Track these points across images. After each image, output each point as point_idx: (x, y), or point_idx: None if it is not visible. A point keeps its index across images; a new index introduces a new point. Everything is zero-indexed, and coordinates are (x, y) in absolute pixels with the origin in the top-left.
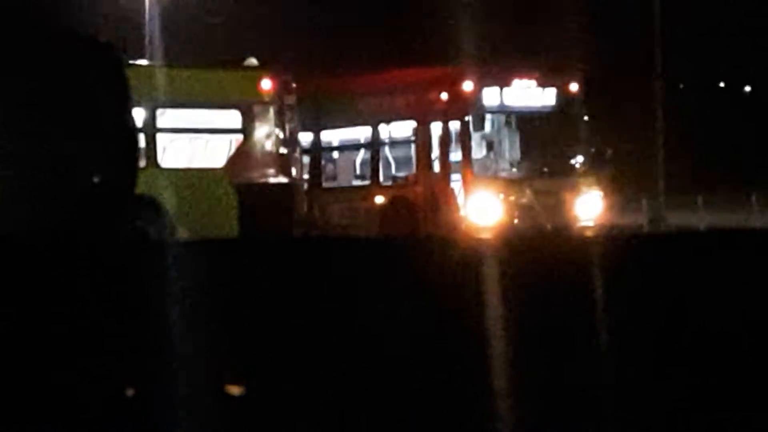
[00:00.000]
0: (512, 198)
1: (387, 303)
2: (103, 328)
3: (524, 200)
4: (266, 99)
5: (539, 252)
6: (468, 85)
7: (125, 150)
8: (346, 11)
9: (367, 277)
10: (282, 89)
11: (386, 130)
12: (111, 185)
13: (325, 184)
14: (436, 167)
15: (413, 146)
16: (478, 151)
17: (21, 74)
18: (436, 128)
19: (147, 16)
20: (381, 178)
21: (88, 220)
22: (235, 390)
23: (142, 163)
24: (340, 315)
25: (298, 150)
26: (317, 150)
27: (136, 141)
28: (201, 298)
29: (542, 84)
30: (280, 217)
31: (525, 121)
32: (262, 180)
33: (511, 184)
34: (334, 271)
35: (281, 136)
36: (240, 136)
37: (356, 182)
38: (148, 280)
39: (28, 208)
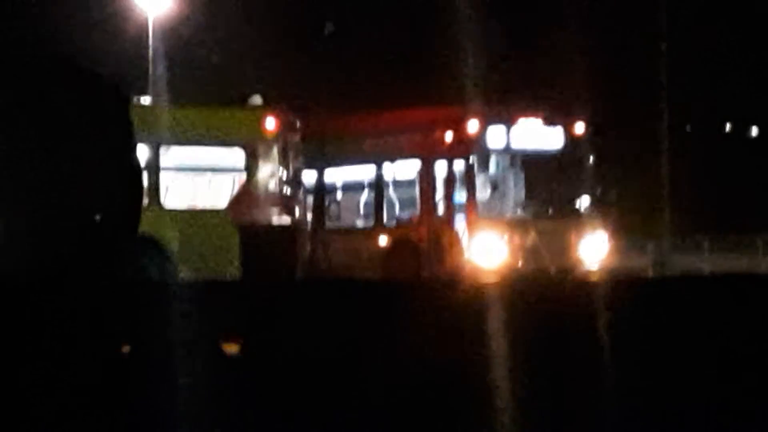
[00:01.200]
0: (517, 239)
1: (390, 346)
2: (102, 368)
3: (529, 242)
4: (270, 138)
5: (544, 294)
6: (472, 125)
7: (128, 189)
8: (350, 51)
9: (370, 319)
10: (286, 128)
11: (390, 171)
12: (113, 224)
13: (328, 225)
14: (440, 208)
15: (417, 187)
16: (483, 192)
17: (23, 110)
18: (440, 168)
19: (151, 55)
20: (385, 219)
21: (90, 259)
22: (232, 348)
23: (145, 203)
24: (342, 358)
25: (301, 190)
26: (321, 190)
27: (139, 180)
28: (202, 340)
29: (547, 124)
30: (283, 259)
31: (530, 162)
32: (265, 220)
33: (516, 225)
34: (337, 313)
35: (285, 175)
36: (243, 176)
37: (360, 223)
38: (150, 321)
39: (28, 246)
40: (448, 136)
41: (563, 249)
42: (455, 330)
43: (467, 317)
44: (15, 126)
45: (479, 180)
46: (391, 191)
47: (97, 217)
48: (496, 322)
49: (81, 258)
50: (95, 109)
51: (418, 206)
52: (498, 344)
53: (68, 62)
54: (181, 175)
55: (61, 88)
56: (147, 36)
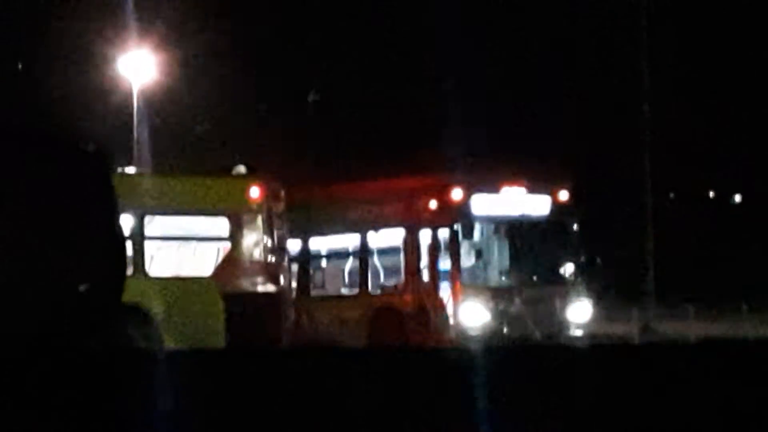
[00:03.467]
0: (501, 307)
1: (375, 415)
2: None
3: (513, 309)
4: (254, 207)
5: (529, 362)
6: (457, 194)
7: (112, 258)
8: (334, 119)
9: (355, 388)
10: (270, 197)
11: (375, 239)
12: (97, 294)
13: (313, 293)
14: (425, 276)
15: (402, 254)
16: (467, 260)
17: (5, 181)
18: (424, 236)
19: (136, 124)
20: (369, 287)
21: (74, 329)
22: None
23: (129, 271)
24: (327, 427)
25: (286, 258)
26: (305, 258)
27: (123, 250)
28: (188, 408)
29: (532, 192)
30: (267, 327)
31: (514, 229)
32: (250, 289)
33: (501, 292)
34: (322, 382)
35: (269, 244)
36: (228, 244)
37: (344, 291)
38: (135, 389)
39: (14, 317)
40: (433, 204)
41: (548, 316)
42: (441, 398)
43: (453, 385)
44: None
45: (464, 248)
46: (375, 259)
47: (82, 287)
48: (481, 389)
49: (67, 327)
50: (79, 180)
51: (403, 274)
52: (483, 411)
53: (51, 134)
54: (166, 243)
55: (45, 160)
56: (131, 106)
